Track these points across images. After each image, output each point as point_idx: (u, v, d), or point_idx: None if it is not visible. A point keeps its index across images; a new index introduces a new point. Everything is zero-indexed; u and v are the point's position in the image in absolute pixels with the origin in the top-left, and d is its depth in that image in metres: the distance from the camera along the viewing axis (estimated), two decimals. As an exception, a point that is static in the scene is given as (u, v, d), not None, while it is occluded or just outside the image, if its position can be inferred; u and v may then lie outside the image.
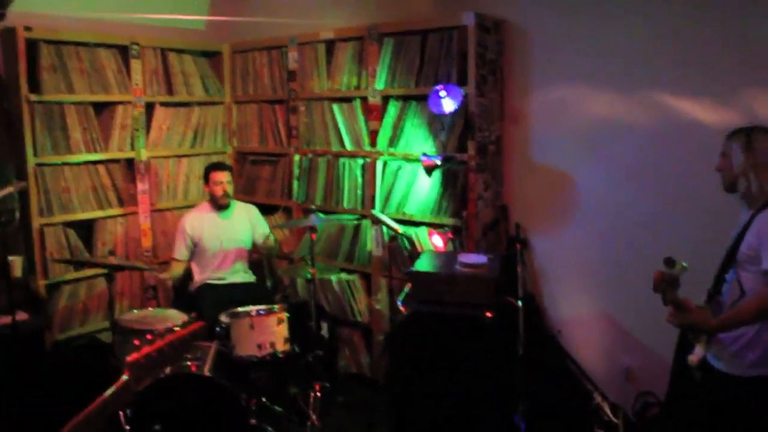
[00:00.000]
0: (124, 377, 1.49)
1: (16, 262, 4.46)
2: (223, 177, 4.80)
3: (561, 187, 4.28)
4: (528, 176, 4.45)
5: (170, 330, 1.55)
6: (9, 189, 4.01)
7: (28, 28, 4.54)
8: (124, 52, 5.07)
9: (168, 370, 3.78)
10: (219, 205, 4.85)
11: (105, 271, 4.17)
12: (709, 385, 2.76)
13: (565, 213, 4.29)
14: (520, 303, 3.76)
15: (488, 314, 3.24)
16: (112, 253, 4.21)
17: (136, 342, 1.52)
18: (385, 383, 4.45)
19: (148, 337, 1.54)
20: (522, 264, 4.18)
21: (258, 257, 5.28)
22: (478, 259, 3.48)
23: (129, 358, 1.49)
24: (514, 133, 4.47)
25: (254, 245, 5.05)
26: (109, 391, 1.48)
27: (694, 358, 2.72)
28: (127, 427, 3.71)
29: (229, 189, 4.83)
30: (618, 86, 4.01)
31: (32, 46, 4.60)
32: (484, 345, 3.34)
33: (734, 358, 2.66)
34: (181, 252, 4.86)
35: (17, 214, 4.63)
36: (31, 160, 4.60)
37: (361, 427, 4.30)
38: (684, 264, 2.62)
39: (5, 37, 4.58)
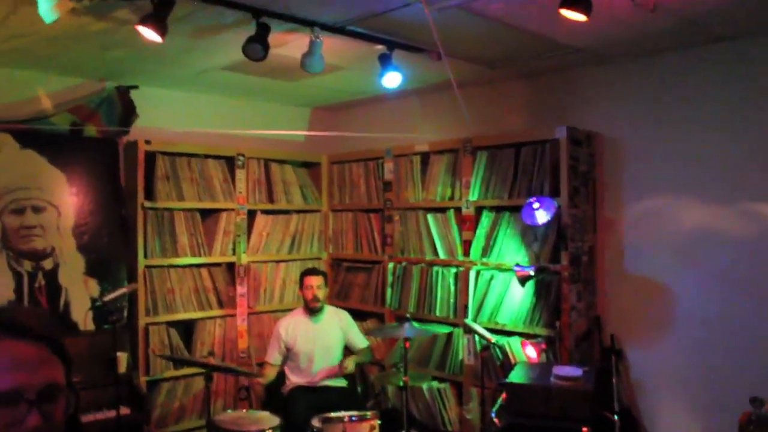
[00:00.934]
0: None
1: (122, 358, 4.66)
2: (314, 281, 4.94)
3: (656, 297, 4.23)
4: (622, 286, 4.41)
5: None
6: (123, 290, 4.27)
7: (147, 142, 4.94)
8: (230, 162, 5.41)
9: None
10: (310, 308, 4.97)
11: (202, 370, 4.31)
12: None
13: (660, 323, 4.21)
14: (616, 417, 3.66)
15: (585, 429, 3.17)
16: (211, 353, 4.36)
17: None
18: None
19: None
20: (617, 376, 4.10)
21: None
22: (573, 371, 3.45)
23: None
24: (607, 243, 4.48)
25: (347, 350, 5.11)
26: None
27: None
28: None
29: (320, 293, 4.94)
30: (712, 195, 4.00)
31: (150, 157, 4.97)
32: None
33: None
34: (274, 357, 4.96)
35: (125, 313, 4.89)
36: (142, 262, 4.89)
37: None
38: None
39: (128, 149, 5.00)
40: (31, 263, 4.61)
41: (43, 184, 4.66)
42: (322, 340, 4.96)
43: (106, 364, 4.52)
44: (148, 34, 3.17)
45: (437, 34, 3.32)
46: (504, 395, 3.62)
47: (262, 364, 5.13)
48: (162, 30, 3.15)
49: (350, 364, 4.88)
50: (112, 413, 4.22)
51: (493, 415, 3.57)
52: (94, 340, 4.68)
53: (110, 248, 4.93)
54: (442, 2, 3.20)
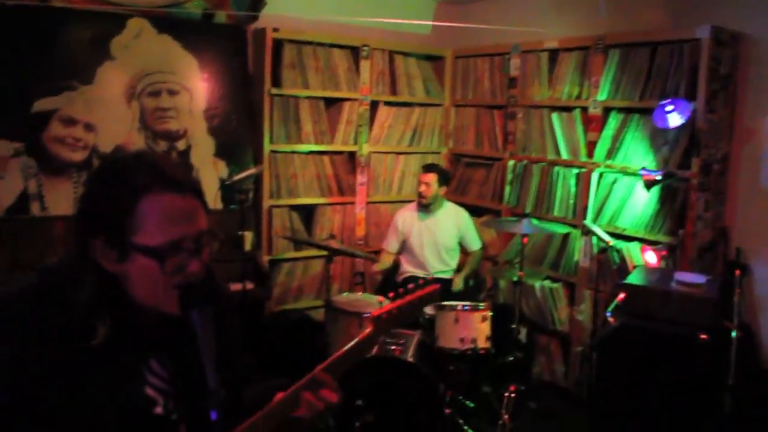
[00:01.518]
0: (368, 330, 1.65)
1: (248, 237, 4.92)
2: (424, 178, 4.99)
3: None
4: (755, 199, 4.21)
5: (409, 291, 1.70)
6: (251, 171, 4.46)
7: (275, 29, 5.01)
8: (355, 52, 5.42)
9: (373, 351, 4.02)
10: (418, 203, 5.04)
11: (322, 253, 4.50)
12: None
13: (794, 241, 4.02)
14: (733, 334, 3.58)
15: (703, 336, 3.12)
16: (332, 236, 4.52)
17: (380, 299, 1.69)
18: (588, 395, 4.39)
19: (390, 295, 1.70)
20: (740, 291, 3.97)
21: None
22: (696, 278, 3.37)
23: (374, 313, 1.65)
24: (744, 152, 4.25)
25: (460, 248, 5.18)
26: (355, 341, 1.65)
27: None
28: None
29: (428, 190, 4.98)
30: None
31: (277, 45, 5.05)
32: (694, 368, 3.22)
33: None
34: (391, 245, 5.11)
35: (251, 195, 5.12)
36: (267, 147, 5.06)
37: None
38: None
39: (256, 36, 5.09)
40: (165, 143, 4.87)
41: (177, 68, 4.83)
42: (435, 235, 5.04)
43: (232, 242, 4.81)
44: None
45: None
46: (621, 296, 3.59)
47: (378, 252, 5.29)
48: None
49: (459, 282, 4.95)
50: (238, 287, 4.50)
51: (608, 314, 3.56)
52: (222, 218, 4.96)
53: (238, 132, 5.12)
54: None
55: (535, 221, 4.43)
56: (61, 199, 4.43)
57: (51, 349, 1.33)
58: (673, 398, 3.29)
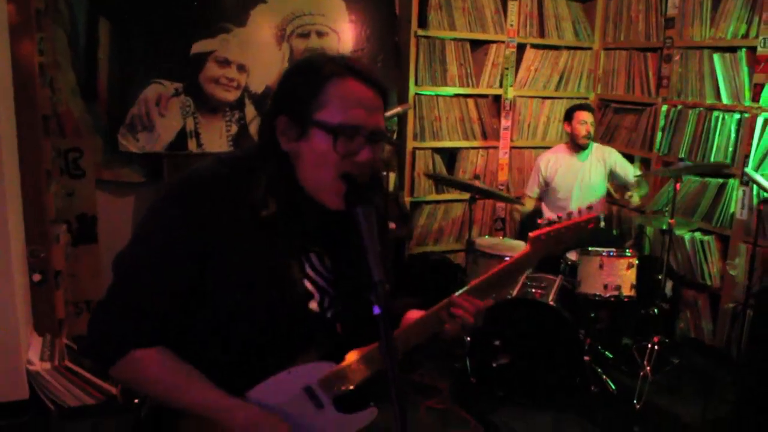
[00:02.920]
0: (526, 249, 1.64)
1: (391, 178, 4.98)
2: (587, 117, 4.81)
3: None
4: None
5: (569, 215, 1.67)
6: (398, 109, 4.48)
7: (423, -29, 4.97)
8: (503, -8, 5.30)
9: (514, 293, 4.00)
10: (578, 145, 4.86)
11: (464, 196, 4.49)
12: None
13: None
14: None
15: None
16: (477, 177, 4.48)
17: (539, 221, 1.67)
18: (738, 354, 4.18)
19: (548, 218, 1.68)
20: None
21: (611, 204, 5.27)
22: None
23: (532, 234, 1.64)
24: None
25: (610, 193, 5.02)
26: (510, 260, 1.65)
27: None
28: (468, 338, 4.02)
29: (593, 131, 4.83)
30: None
31: (425, -15, 5.01)
32: None
33: None
34: (533, 189, 5.02)
35: (395, 136, 5.16)
36: (412, 89, 5.08)
37: (696, 391, 4.12)
38: None
39: (404, -22, 5.06)
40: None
41: (325, 10, 4.89)
42: (583, 177, 4.89)
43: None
44: None
45: None
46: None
47: (520, 197, 5.22)
48: None
49: (635, 197, 4.80)
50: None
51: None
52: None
53: (383, 74, 5.15)
54: None
55: (689, 162, 4.20)
56: (215, 137, 4.65)
57: (233, 215, 1.46)
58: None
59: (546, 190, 5.00)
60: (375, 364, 1.58)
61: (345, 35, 5.00)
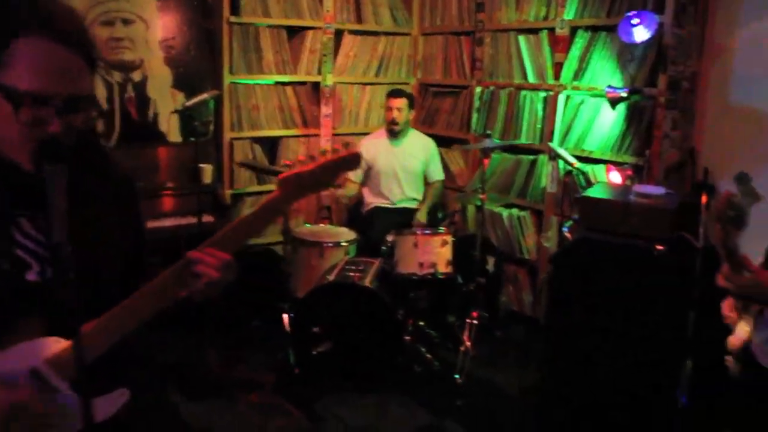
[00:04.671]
0: (275, 193, 1.51)
1: (207, 170, 4.78)
2: (395, 103, 4.83)
3: (761, 134, 3.88)
4: (724, 118, 4.06)
5: (323, 153, 1.57)
6: (204, 96, 4.30)
7: (234, -45, 4.80)
8: (317, -22, 5.22)
9: (331, 277, 3.92)
10: (389, 130, 4.90)
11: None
12: (750, 385, 2.13)
13: (762, 161, 3.89)
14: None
15: (659, 247, 3.01)
16: (289, 166, 4.34)
17: (287, 162, 1.55)
18: (545, 315, 4.32)
19: (300, 158, 1.56)
20: (707, 212, 3.86)
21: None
22: (655, 190, 3.25)
23: (281, 176, 1.51)
24: (714, 70, 4.09)
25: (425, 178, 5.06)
26: (260, 204, 1.52)
27: (734, 340, 2.14)
28: (289, 328, 3.90)
29: (400, 116, 4.83)
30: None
31: (236, -29, 4.85)
32: (654, 283, 3.11)
33: None
34: (356, 173, 4.96)
35: (211, 127, 4.97)
36: (227, 78, 4.89)
37: (515, 361, 4.23)
38: (760, 194, 1.94)
39: (214, -37, 4.87)
40: (120, 74, 4.70)
41: (131, -4, 4.64)
42: (402, 163, 4.91)
43: (191, 174, 4.68)
44: None
45: None
46: (578, 210, 3.47)
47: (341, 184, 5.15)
48: None
49: (423, 214, 4.83)
50: (194, 220, 4.37)
51: (564, 230, 3.45)
52: (181, 150, 4.81)
53: (197, 62, 4.95)
54: None
55: (497, 140, 4.29)
56: None
57: None
58: (634, 315, 3.18)
59: (368, 174, 4.97)
60: (109, 337, 1.40)
61: (153, 23, 4.75)
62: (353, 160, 1.56)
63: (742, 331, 2.17)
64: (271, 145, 5.21)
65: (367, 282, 3.83)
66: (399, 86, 5.55)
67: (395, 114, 4.82)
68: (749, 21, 3.92)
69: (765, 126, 3.86)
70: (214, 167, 4.92)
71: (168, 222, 4.49)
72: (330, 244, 4.26)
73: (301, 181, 1.51)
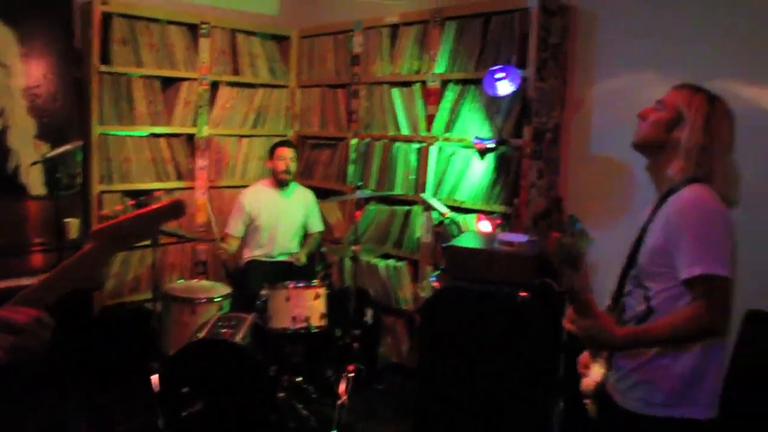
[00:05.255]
0: (87, 247, 1.43)
1: (73, 225, 4.56)
2: (287, 153, 4.81)
3: (620, 180, 4.06)
4: (586, 167, 4.26)
5: (143, 204, 1.50)
6: (67, 147, 4.13)
7: (104, 2, 4.68)
8: (193, 30, 5.15)
9: (201, 334, 3.78)
10: (279, 180, 4.84)
11: (161, 241, 4.22)
12: (607, 423, 2.18)
13: (622, 206, 4.06)
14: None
15: (523, 294, 3.07)
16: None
17: (104, 213, 1.47)
18: (418, 363, 4.32)
19: (117, 207, 1.49)
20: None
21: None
22: (517, 237, 3.33)
23: (94, 228, 1.43)
24: (575, 121, 4.29)
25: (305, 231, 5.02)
26: (68, 260, 1.43)
27: (589, 382, 2.19)
28: (158, 389, 3.72)
29: (292, 166, 4.82)
30: (685, 74, 3.75)
31: (107, 19, 4.73)
32: (522, 329, 3.16)
33: (637, 391, 2.07)
34: (237, 228, 4.85)
35: (79, 180, 4.75)
36: (96, 129, 4.72)
37: (392, 412, 4.19)
38: (590, 236, 2.03)
39: (83, 9, 4.73)
40: (-22, 123, 4.46)
41: (-10, 42, 4.44)
42: (287, 215, 4.86)
43: (55, 229, 4.45)
44: None
45: None
46: (445, 260, 3.51)
47: (223, 238, 5.03)
48: None
49: (303, 256, 4.80)
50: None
51: (432, 279, 3.47)
52: (45, 204, 4.55)
53: (64, 112, 4.72)
54: None
55: (367, 191, 4.31)
56: None
57: None
58: (504, 360, 3.21)
59: (249, 227, 4.87)
60: None
61: (16, 69, 4.53)
62: (175, 209, 1.50)
63: (596, 373, 2.21)
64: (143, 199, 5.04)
65: (238, 338, 3.71)
66: (277, 138, 5.54)
67: (289, 163, 4.79)
68: (603, 77, 4.15)
69: (622, 173, 4.06)
70: (81, 222, 4.70)
71: (29, 281, 4.21)
72: (203, 300, 4.13)
73: (116, 233, 1.43)
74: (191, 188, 5.19)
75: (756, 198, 3.14)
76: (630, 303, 2.15)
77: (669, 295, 1.99)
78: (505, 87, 3.93)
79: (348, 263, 5.08)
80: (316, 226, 5.02)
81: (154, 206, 1.48)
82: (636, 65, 4.00)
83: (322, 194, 5.24)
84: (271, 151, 4.91)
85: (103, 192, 4.77)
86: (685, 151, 2.05)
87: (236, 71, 5.44)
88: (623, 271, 2.20)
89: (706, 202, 1.97)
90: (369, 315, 4.68)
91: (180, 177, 5.16)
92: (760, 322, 3.36)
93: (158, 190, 5.02)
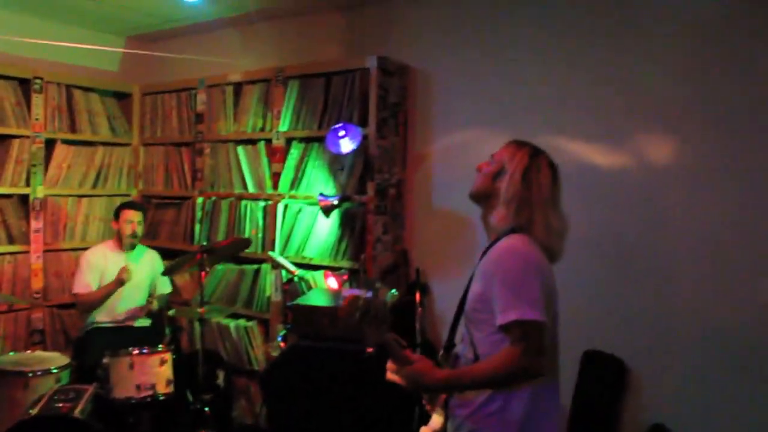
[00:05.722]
0: None
1: None
2: (134, 216, 4.61)
3: (462, 232, 4.24)
4: (429, 221, 4.41)
5: None
6: None
7: None
8: (25, 85, 4.92)
9: (34, 411, 3.53)
10: (126, 244, 4.64)
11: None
12: None
13: (465, 257, 4.21)
14: (418, 348, 3.63)
15: (369, 350, 3.11)
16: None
17: None
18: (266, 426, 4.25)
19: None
20: (422, 310, 4.09)
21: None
22: (361, 293, 3.38)
23: None
24: (416, 176, 4.46)
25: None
26: None
27: (427, 431, 2.26)
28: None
29: (139, 230, 4.64)
30: (515, 131, 4.00)
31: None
32: (369, 383, 3.19)
33: None
34: (88, 283, 4.55)
35: None
36: None
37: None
38: (393, 291, 2.18)
39: None
40: None
41: None
42: (134, 278, 4.64)
43: None
44: None
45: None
46: (290, 319, 3.50)
47: (70, 305, 4.73)
48: None
49: (155, 303, 4.64)
50: None
51: (279, 339, 3.45)
52: None
53: None
54: None
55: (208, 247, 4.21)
56: None
57: None
58: (358, 416, 3.22)
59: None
60: None
61: None
62: None
63: (434, 421, 2.26)
64: (-31, 266, 4.70)
65: (76, 412, 3.50)
66: (119, 198, 5.35)
67: (136, 227, 4.60)
68: (441, 133, 4.35)
69: (464, 225, 4.23)
70: None
71: None
72: (37, 373, 3.86)
73: None
74: (26, 252, 4.89)
75: (584, 248, 3.40)
76: (462, 350, 2.21)
77: (492, 340, 2.06)
78: (347, 144, 4.02)
79: (197, 325, 4.94)
80: (164, 288, 4.84)
81: None
82: (472, 122, 4.23)
83: (168, 254, 5.09)
84: (117, 213, 4.68)
85: None
86: (504, 200, 2.16)
87: (74, 128, 5.22)
88: (454, 319, 2.27)
89: (519, 251, 2.07)
90: (221, 377, 4.55)
91: (11, 241, 4.85)
92: (596, 361, 3.59)
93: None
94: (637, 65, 3.65)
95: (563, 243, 2.22)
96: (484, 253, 2.20)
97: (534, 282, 2.02)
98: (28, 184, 4.91)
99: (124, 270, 4.48)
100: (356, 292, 3.37)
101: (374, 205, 4.14)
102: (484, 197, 2.27)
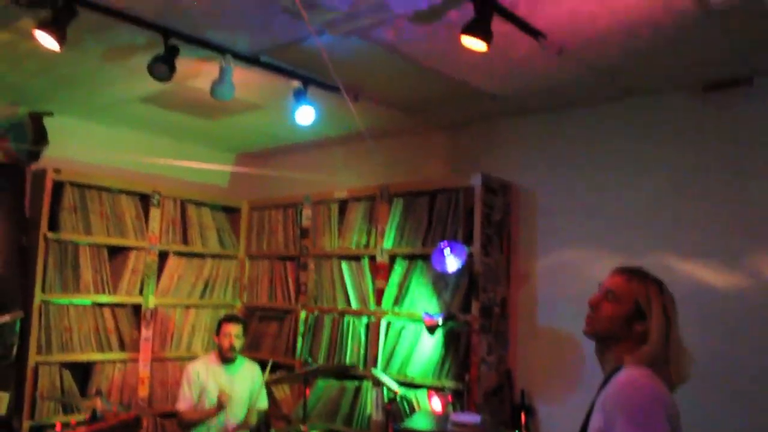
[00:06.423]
0: None
1: (2, 399, 4.34)
2: (233, 330, 4.69)
3: (568, 352, 4.13)
4: (534, 340, 4.32)
5: (98, 419, 1.46)
6: (5, 317, 3.99)
7: (57, 171, 4.74)
8: (144, 200, 5.22)
9: None
10: (225, 357, 4.70)
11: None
12: None
13: (572, 378, 4.10)
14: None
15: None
16: (99, 393, 4.02)
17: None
18: None
19: (72, 422, 1.45)
20: (527, 433, 3.96)
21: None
22: (471, 418, 3.30)
23: None
24: (520, 295, 4.41)
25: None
26: None
27: None
28: None
29: (237, 343, 4.68)
30: (622, 249, 3.97)
31: (58, 187, 4.77)
32: None
33: None
34: (191, 399, 4.62)
35: (15, 350, 4.57)
36: (38, 296, 4.61)
37: None
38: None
39: (36, 177, 4.78)
40: None
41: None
42: (235, 391, 4.66)
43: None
44: (46, 39, 3.02)
45: (330, 63, 3.27)
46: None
47: (173, 415, 4.78)
48: (60, 37, 3.00)
49: (253, 417, 4.65)
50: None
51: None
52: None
53: (5, 282, 4.64)
54: (337, 27, 3.14)
55: (313, 364, 4.23)
56: None
57: None
58: None
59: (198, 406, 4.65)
60: None
61: (-40, 239, 4.48)
62: (134, 424, 1.47)
63: None
64: (83, 371, 4.84)
65: None
66: (224, 308, 5.49)
67: (233, 340, 4.66)
68: (545, 252, 4.33)
69: (569, 345, 4.13)
70: (12, 395, 4.47)
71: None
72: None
73: None
74: (135, 360, 5.03)
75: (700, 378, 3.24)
76: None
77: None
78: (452, 263, 4.03)
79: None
80: (261, 403, 4.82)
81: (112, 421, 1.45)
82: (576, 240, 4.20)
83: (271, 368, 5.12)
84: (218, 327, 4.77)
85: (40, 363, 4.58)
86: (651, 343, 2.09)
87: (186, 241, 5.46)
88: None
89: (644, 385, 1.99)
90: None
91: (123, 348, 5.01)
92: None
93: (100, 361, 4.85)
94: (753, 181, 3.58)
95: (690, 369, 2.13)
96: (603, 384, 2.13)
97: (660, 419, 1.94)
98: (141, 294, 5.11)
99: (224, 396, 4.52)
100: (466, 417, 3.30)
101: (479, 324, 4.10)
102: (613, 338, 2.19)
